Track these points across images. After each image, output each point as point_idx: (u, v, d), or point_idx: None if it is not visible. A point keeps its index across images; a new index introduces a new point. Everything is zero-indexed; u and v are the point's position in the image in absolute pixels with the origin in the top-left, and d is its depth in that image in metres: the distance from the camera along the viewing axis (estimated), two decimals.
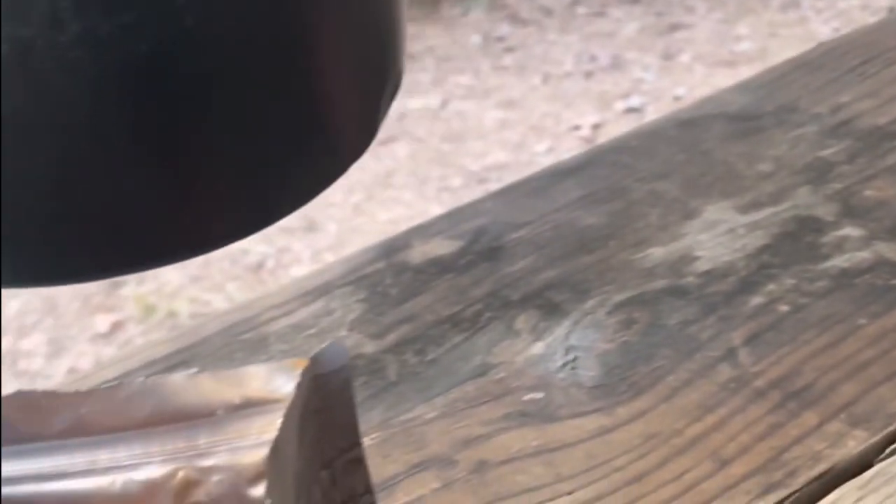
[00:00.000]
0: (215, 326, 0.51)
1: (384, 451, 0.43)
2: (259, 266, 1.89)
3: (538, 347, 0.48)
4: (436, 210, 1.94)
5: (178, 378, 0.26)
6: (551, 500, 0.41)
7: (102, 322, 1.78)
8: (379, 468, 0.42)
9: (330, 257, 1.86)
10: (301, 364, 0.26)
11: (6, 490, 0.26)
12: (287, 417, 0.24)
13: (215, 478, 0.27)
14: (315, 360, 0.26)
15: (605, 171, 0.60)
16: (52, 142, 0.19)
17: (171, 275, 1.85)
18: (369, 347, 0.49)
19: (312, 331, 0.50)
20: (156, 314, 1.80)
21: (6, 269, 0.20)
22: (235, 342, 0.50)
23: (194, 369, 0.27)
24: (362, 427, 0.29)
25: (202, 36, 0.20)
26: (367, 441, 0.42)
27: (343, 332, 0.50)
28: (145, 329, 1.78)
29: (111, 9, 0.19)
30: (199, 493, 0.27)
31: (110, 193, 0.20)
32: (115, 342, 1.76)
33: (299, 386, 0.25)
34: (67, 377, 1.62)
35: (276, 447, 0.23)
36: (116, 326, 1.78)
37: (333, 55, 0.22)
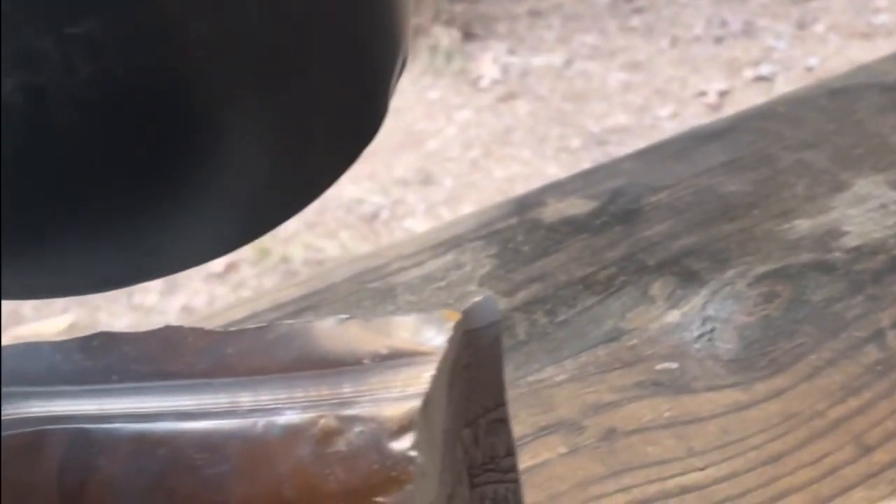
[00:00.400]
0: (343, 273, 0.51)
1: (511, 411, 0.42)
2: (373, 216, 1.89)
3: (673, 316, 0.47)
4: (553, 170, 1.91)
5: (326, 324, 0.25)
6: (682, 474, 0.40)
7: (217, 262, 1.81)
8: None
9: (444, 211, 1.86)
10: (453, 317, 0.25)
11: (146, 425, 0.25)
12: (438, 372, 0.23)
13: (357, 428, 0.26)
14: (467, 315, 0.25)
15: (749, 137, 0.57)
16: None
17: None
18: (499, 304, 0.48)
19: (441, 283, 0.49)
20: (269, 258, 1.82)
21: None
22: (363, 290, 0.49)
23: (344, 315, 0.26)
24: None
25: (213, 59, 0.20)
26: None
27: (472, 287, 0.49)
28: (258, 272, 1.80)
29: (123, 51, 0.19)
30: (340, 443, 0.26)
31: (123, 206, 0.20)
32: (229, 283, 1.79)
33: (451, 340, 0.24)
34: (181, 315, 1.65)
35: (427, 401, 0.22)
36: (231, 267, 1.80)
37: (343, 43, 0.22)
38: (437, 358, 0.24)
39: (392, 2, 0.24)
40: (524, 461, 0.40)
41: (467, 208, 1.84)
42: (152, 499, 0.26)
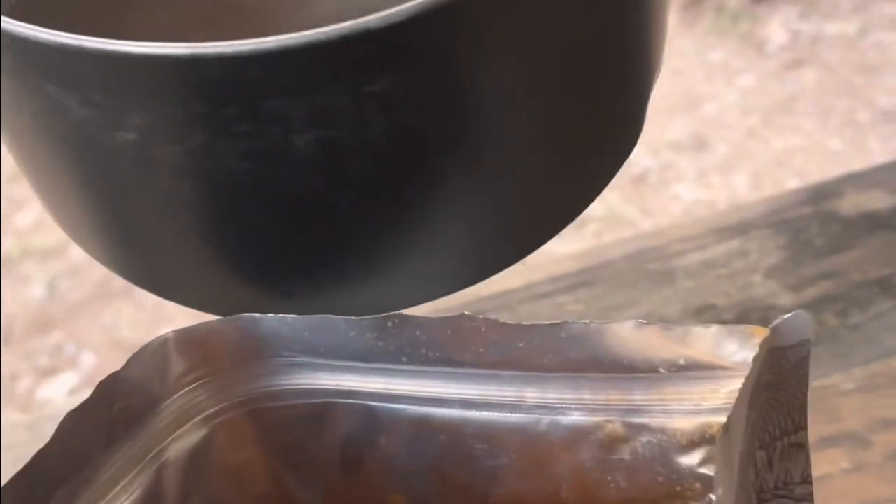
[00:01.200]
0: (621, 251, 0.49)
1: None
2: (641, 179, 1.86)
3: None
4: (836, 145, 1.82)
5: (622, 327, 0.24)
6: None
7: None
8: None
9: (715, 179, 1.80)
10: (759, 333, 0.23)
11: (430, 409, 0.25)
12: (743, 390, 0.21)
13: (644, 438, 0.25)
14: (775, 331, 0.23)
15: None
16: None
17: None
18: (785, 300, 0.45)
19: (723, 271, 0.47)
20: None
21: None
22: (641, 270, 0.48)
23: (642, 319, 0.24)
24: None
25: (502, 101, 0.21)
26: None
27: (757, 279, 0.46)
28: None
29: (414, 105, 0.20)
30: (624, 451, 0.25)
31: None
32: None
33: (756, 359, 0.22)
34: None
35: (730, 421, 0.21)
36: None
37: (616, 66, 0.23)
38: (740, 374, 0.23)
39: (657, 23, 0.24)
40: None
41: (740, 178, 1.78)
42: (427, 482, 0.26)
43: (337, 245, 0.22)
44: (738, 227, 0.49)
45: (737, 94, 2.02)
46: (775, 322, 0.23)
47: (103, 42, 0.19)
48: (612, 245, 0.50)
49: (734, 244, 0.49)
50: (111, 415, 0.23)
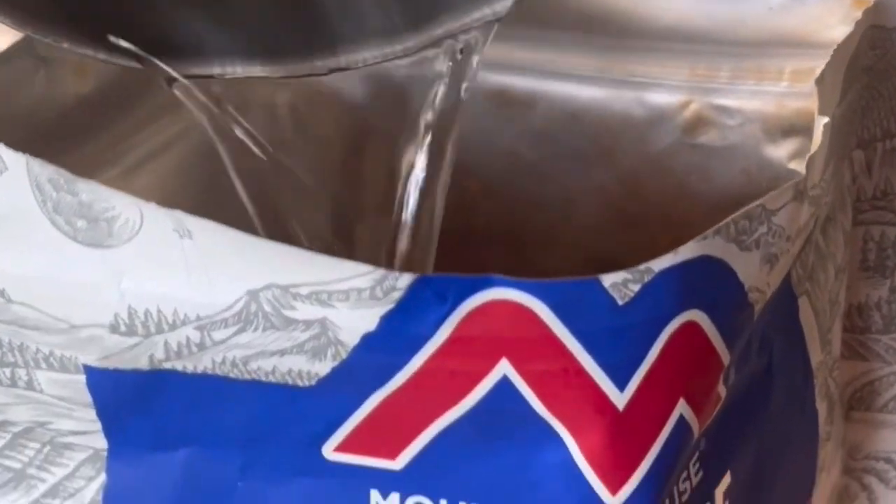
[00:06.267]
0: None
1: None
2: None
3: None
4: None
5: None
6: None
7: None
8: None
9: None
10: (861, 4, 0.21)
11: (507, 79, 0.24)
12: (833, 61, 0.20)
13: (732, 121, 0.23)
14: (879, 6, 0.21)
15: None
16: None
17: None
18: None
19: None
20: None
21: None
22: None
23: None
24: None
25: None
26: None
27: None
28: None
29: None
30: (711, 134, 0.23)
31: None
32: None
33: (853, 34, 0.21)
34: None
35: (822, 84, 0.19)
36: None
37: None
38: (834, 49, 0.21)
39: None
40: None
41: None
42: (500, 164, 0.25)
43: None
44: None
45: None
46: None
47: None
48: None
49: None
50: None
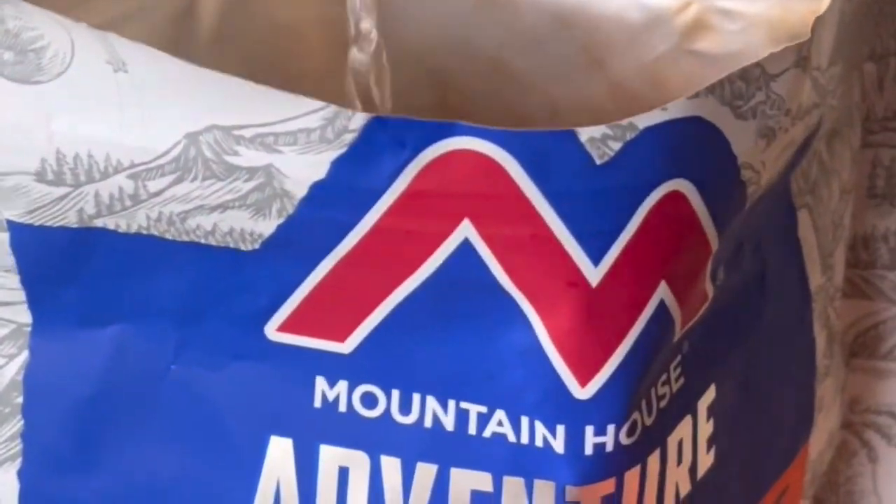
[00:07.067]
0: None
1: None
2: None
3: None
4: None
5: None
6: None
7: None
8: None
9: None
10: None
11: None
12: None
13: (734, 26, 0.22)
14: None
15: None
16: None
17: None
18: None
19: None
20: None
21: None
22: None
23: None
24: None
25: None
26: None
27: None
28: None
29: None
30: (711, 40, 0.22)
31: None
32: None
33: None
34: None
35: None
36: None
37: None
38: None
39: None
40: None
41: None
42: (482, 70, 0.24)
43: None
44: None
45: None
46: None
47: None
48: None
49: None
50: None
